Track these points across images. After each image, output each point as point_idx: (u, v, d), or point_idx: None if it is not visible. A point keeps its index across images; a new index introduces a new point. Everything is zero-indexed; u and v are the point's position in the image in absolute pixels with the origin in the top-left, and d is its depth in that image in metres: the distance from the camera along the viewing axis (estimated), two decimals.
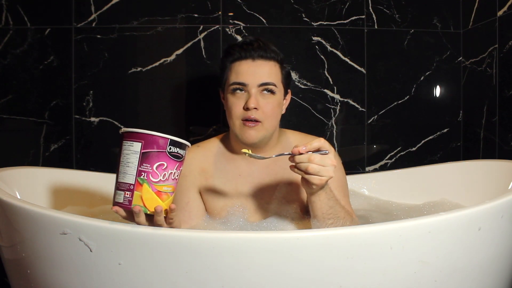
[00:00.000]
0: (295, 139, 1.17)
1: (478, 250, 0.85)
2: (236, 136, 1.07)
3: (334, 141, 1.68)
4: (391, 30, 1.69)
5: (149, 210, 0.80)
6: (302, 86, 1.66)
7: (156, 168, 0.79)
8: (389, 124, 1.71)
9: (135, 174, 0.79)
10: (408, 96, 1.71)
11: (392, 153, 1.72)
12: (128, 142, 0.80)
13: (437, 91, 1.72)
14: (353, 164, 1.70)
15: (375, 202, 1.45)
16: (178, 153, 0.82)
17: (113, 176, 0.83)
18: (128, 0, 1.61)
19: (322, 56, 1.66)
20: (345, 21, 1.67)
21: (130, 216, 0.82)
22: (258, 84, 1.04)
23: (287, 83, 1.13)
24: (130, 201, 0.79)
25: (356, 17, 1.67)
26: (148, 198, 0.80)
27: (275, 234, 0.80)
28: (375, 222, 1.11)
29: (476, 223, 0.82)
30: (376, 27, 1.68)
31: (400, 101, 1.71)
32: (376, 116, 1.70)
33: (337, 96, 1.67)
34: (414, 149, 1.72)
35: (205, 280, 0.77)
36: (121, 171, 0.80)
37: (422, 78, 1.71)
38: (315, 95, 1.67)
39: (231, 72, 1.07)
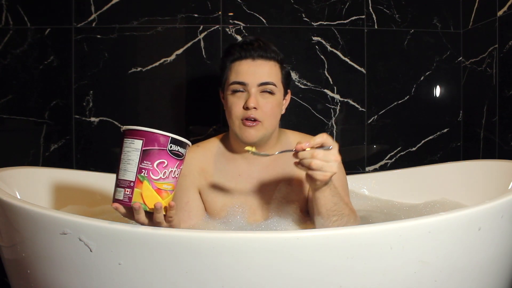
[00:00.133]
0: (295, 139, 1.17)
1: (478, 250, 0.85)
2: (236, 136, 1.07)
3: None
4: (391, 30, 1.69)
5: (148, 207, 0.80)
6: (302, 86, 1.66)
7: (157, 165, 0.80)
8: (389, 124, 1.71)
9: (135, 171, 0.79)
10: (408, 96, 1.71)
11: (392, 153, 1.72)
12: (130, 139, 0.80)
13: (437, 91, 1.72)
14: (353, 164, 1.70)
15: (375, 202, 1.45)
16: (179, 152, 0.82)
17: (113, 176, 0.83)
18: (128, 0, 1.61)
19: (322, 56, 1.66)
20: (345, 21, 1.67)
21: (130, 213, 0.82)
22: (258, 84, 1.04)
23: (287, 83, 1.13)
24: (130, 198, 0.79)
25: (356, 17, 1.67)
26: (148, 196, 0.80)
27: (275, 234, 0.80)
28: (375, 222, 1.11)
29: (476, 223, 0.82)
30: (376, 27, 1.68)
31: (400, 101, 1.71)
32: (376, 116, 1.70)
33: (337, 96, 1.67)
34: (414, 149, 1.72)
35: (205, 280, 0.77)
36: (121, 168, 0.80)
37: (422, 78, 1.71)
38: (315, 95, 1.66)
39: (231, 72, 1.07)
